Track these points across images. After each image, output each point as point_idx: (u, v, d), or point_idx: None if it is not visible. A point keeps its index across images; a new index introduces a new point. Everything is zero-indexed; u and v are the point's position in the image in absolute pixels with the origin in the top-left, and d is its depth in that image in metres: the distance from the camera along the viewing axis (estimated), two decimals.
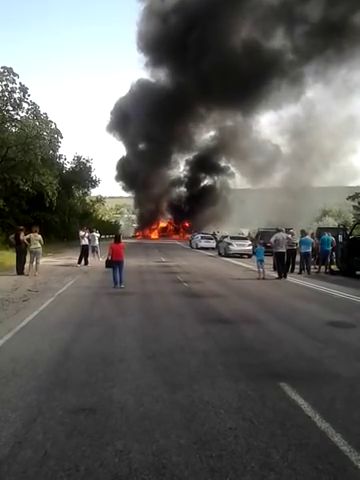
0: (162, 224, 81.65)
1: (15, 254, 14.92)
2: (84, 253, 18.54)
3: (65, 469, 2.90)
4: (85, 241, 18.72)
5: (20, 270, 14.33)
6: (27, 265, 14.56)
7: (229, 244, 27.01)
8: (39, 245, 14.55)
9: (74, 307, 8.98)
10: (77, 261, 18.33)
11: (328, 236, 18.21)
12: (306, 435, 3.43)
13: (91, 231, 22.01)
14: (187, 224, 74.33)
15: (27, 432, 3.41)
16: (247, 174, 67.67)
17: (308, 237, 17.72)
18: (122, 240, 12.82)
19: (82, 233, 19.00)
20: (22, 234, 14.70)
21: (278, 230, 15.70)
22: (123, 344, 6.10)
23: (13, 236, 14.91)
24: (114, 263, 11.89)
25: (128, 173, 72.59)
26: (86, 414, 3.75)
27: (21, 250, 14.53)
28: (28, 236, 14.63)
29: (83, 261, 18.35)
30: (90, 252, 20.13)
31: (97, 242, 22.36)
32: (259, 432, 3.47)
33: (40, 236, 14.80)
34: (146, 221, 78.31)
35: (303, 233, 17.87)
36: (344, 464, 3.03)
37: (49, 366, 5.07)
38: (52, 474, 2.86)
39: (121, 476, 2.84)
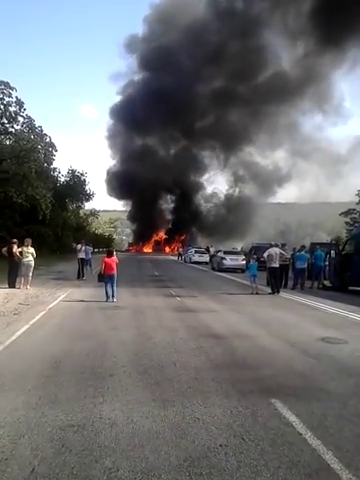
0: (156, 238, 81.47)
1: (7, 267, 14.82)
2: (81, 266, 18.42)
3: None
4: (82, 254, 18.63)
5: (12, 283, 14.23)
6: (19, 278, 14.46)
7: (222, 259, 26.90)
8: (31, 258, 14.47)
9: (65, 321, 8.91)
10: (76, 276, 18.21)
11: (321, 252, 18.29)
12: (297, 452, 3.41)
13: (86, 244, 21.97)
14: (183, 238, 73.96)
15: (14, 448, 3.35)
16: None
17: (304, 252, 17.74)
18: (115, 254, 12.78)
19: (79, 246, 18.91)
20: (15, 247, 14.62)
21: (271, 245, 15.76)
22: (114, 359, 6.05)
23: (6, 249, 14.82)
24: (106, 277, 11.85)
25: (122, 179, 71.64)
26: (75, 430, 3.70)
27: (13, 263, 14.44)
28: (20, 249, 14.55)
29: (81, 275, 18.24)
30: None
31: (90, 255, 22.33)
32: (250, 449, 3.43)
33: (32, 249, 14.72)
34: (140, 235, 78.05)
35: (303, 248, 17.94)
36: None
37: (39, 381, 5.01)
38: None
39: None
